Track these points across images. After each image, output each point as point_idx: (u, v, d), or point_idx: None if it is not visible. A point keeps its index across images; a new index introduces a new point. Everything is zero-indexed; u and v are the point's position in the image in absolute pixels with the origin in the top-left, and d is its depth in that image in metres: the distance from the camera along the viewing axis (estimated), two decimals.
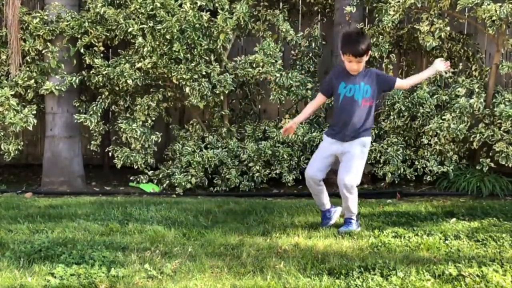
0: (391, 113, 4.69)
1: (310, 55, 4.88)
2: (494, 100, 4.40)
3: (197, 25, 4.46)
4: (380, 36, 4.68)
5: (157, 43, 4.45)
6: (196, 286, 2.25)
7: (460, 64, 4.82)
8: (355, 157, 3.06)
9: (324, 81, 3.26)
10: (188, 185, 4.59)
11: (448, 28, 4.40)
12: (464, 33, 4.95)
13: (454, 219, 3.38)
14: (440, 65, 3.29)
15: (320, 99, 3.26)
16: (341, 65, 3.16)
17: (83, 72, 4.87)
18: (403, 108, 4.57)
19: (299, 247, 2.79)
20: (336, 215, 3.28)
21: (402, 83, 3.34)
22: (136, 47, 4.59)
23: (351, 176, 3.04)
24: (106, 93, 4.88)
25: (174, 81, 4.61)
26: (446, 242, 2.89)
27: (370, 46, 3.08)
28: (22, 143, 4.93)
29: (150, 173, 4.79)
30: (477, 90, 4.43)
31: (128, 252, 2.71)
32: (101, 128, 4.87)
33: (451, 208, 3.69)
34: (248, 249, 2.75)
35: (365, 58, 3.03)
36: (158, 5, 4.39)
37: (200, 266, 2.50)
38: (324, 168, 3.22)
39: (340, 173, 3.08)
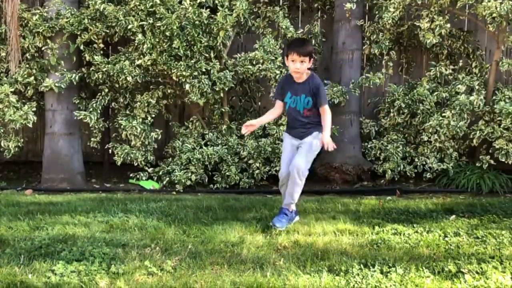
0: (391, 110, 4.69)
1: (313, 51, 4.87)
2: (494, 97, 4.40)
3: (197, 22, 4.45)
4: (380, 33, 4.67)
5: (157, 40, 4.45)
6: (196, 283, 2.26)
7: (460, 61, 4.82)
8: (306, 147, 3.18)
9: (276, 89, 3.41)
10: (188, 182, 4.60)
11: (448, 25, 4.40)
12: (464, 30, 4.94)
13: (453, 216, 3.38)
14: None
15: (278, 106, 3.33)
16: (289, 74, 3.27)
17: (83, 69, 4.86)
18: (403, 105, 4.57)
19: (299, 244, 2.79)
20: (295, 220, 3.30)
21: (322, 113, 3.20)
22: (136, 44, 4.58)
23: (302, 161, 3.13)
24: (106, 90, 4.87)
25: (174, 78, 4.61)
26: (446, 239, 2.89)
27: (312, 52, 3.17)
28: (22, 140, 4.93)
29: (150, 170, 4.79)
30: (477, 87, 4.43)
31: (128, 249, 2.71)
32: (101, 125, 4.87)
33: (450, 205, 3.70)
34: (248, 246, 2.75)
35: (308, 63, 3.11)
36: (158, 2, 4.38)
37: (200, 263, 2.51)
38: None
39: (294, 159, 3.17)
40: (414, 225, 3.16)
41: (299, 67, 3.09)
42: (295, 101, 3.18)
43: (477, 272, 2.34)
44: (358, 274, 2.32)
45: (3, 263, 2.49)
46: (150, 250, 2.69)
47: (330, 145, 3.07)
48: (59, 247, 2.72)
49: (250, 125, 3.28)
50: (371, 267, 2.40)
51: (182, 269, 2.43)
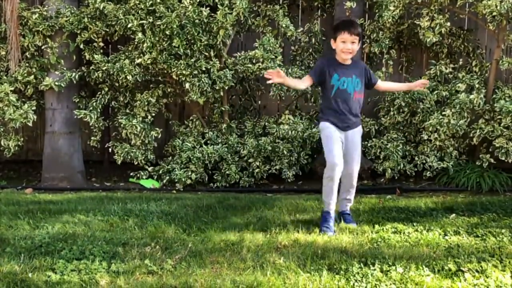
0: (391, 108, 4.69)
1: (310, 50, 4.88)
2: (494, 96, 4.40)
3: (196, 21, 4.44)
4: (380, 32, 4.67)
5: (157, 38, 4.44)
6: (196, 282, 2.26)
7: (461, 59, 4.81)
8: (359, 150, 3.20)
9: (316, 66, 3.19)
10: (188, 181, 4.60)
11: (448, 24, 4.40)
12: (464, 29, 4.94)
13: (453, 215, 3.38)
14: (417, 85, 3.40)
15: (307, 79, 3.15)
16: (332, 55, 3.17)
17: (83, 68, 4.86)
18: (403, 104, 4.57)
19: (299, 243, 2.79)
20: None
21: (379, 85, 3.38)
22: (135, 43, 4.58)
23: (357, 168, 3.22)
24: (106, 89, 4.87)
25: (174, 77, 4.61)
26: (446, 237, 2.89)
27: (361, 34, 3.15)
28: (22, 139, 4.93)
29: (150, 169, 4.79)
30: (477, 85, 4.42)
31: (129, 247, 2.72)
32: (101, 124, 4.87)
33: (450, 204, 3.70)
34: (248, 244, 2.76)
35: (357, 45, 3.06)
36: (158, 0, 4.37)
37: (200, 261, 2.51)
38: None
39: (351, 165, 3.15)
40: (414, 224, 3.16)
41: (350, 47, 3.00)
42: (345, 83, 3.03)
43: (477, 271, 2.34)
44: (358, 273, 2.32)
45: (3, 262, 2.49)
46: (150, 249, 2.69)
47: (423, 81, 3.34)
48: (59, 246, 2.72)
49: (277, 73, 2.94)
50: (371, 265, 2.40)
51: (182, 267, 2.43)
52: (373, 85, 3.31)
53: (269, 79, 2.97)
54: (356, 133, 3.19)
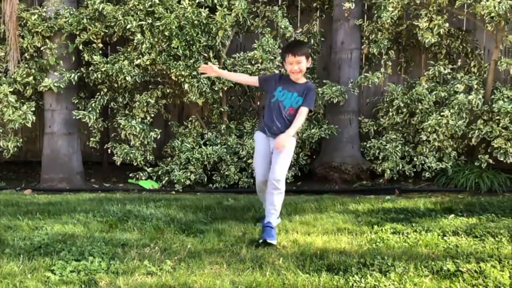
0: (390, 109, 4.70)
1: (309, 51, 4.87)
2: (492, 97, 4.41)
3: (195, 22, 4.45)
4: (379, 33, 4.68)
5: (156, 39, 4.45)
6: (195, 282, 2.26)
7: (459, 60, 4.83)
8: (284, 152, 3.04)
9: (266, 76, 3.43)
10: (187, 182, 4.60)
11: (447, 25, 4.41)
12: (463, 30, 4.95)
13: (452, 215, 3.39)
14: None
15: (253, 79, 3.37)
16: (287, 74, 3.21)
17: (82, 69, 4.86)
18: (402, 105, 4.58)
19: (298, 244, 2.79)
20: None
21: (300, 112, 3.11)
22: (134, 44, 4.59)
23: (281, 172, 3.00)
24: (105, 90, 4.87)
25: (173, 77, 4.61)
26: (445, 238, 2.90)
27: (308, 52, 3.16)
28: (21, 140, 4.93)
29: (149, 169, 4.79)
30: (475, 86, 4.43)
31: (128, 248, 2.71)
32: (100, 124, 4.87)
33: (449, 204, 3.70)
34: (247, 245, 2.76)
35: (305, 62, 3.08)
36: (157, 1, 4.38)
37: (199, 262, 2.51)
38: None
39: (273, 169, 3.03)
40: (413, 224, 3.16)
41: (297, 68, 3.09)
42: (284, 95, 3.10)
43: (475, 271, 2.34)
44: (357, 273, 2.32)
45: (2, 263, 2.49)
46: (149, 250, 2.69)
47: (281, 147, 2.94)
48: (58, 246, 2.72)
49: (209, 68, 3.24)
50: (370, 266, 2.41)
51: (181, 268, 2.43)
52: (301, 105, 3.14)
53: (204, 73, 3.17)
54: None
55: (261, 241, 2.81)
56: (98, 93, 4.89)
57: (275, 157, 3.05)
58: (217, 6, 4.48)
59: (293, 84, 3.14)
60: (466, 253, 2.59)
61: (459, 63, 4.79)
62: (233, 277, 2.33)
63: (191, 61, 4.48)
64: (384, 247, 2.74)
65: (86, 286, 2.23)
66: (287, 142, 2.98)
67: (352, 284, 2.21)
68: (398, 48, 5.08)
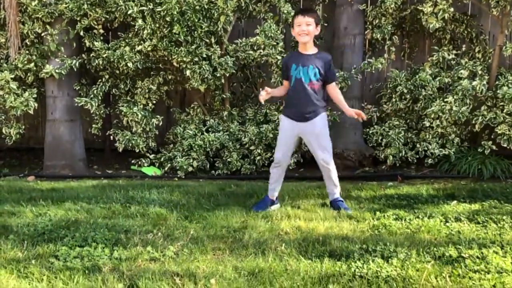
0: (393, 95, 4.67)
1: (320, 18, 4.81)
2: (497, 82, 4.37)
3: (197, 7, 4.40)
4: (383, 18, 4.62)
5: (157, 25, 4.41)
6: (198, 268, 2.27)
7: (463, 45, 4.77)
8: (323, 136, 3.16)
9: (282, 70, 3.35)
10: (190, 169, 4.60)
11: (451, 9, 4.35)
12: (468, 14, 4.88)
13: (455, 202, 3.39)
14: (352, 113, 3.25)
15: (286, 84, 3.31)
16: (294, 51, 3.23)
17: (83, 55, 4.84)
18: (405, 91, 4.55)
19: (301, 230, 2.80)
20: (273, 208, 3.30)
21: (330, 87, 3.21)
22: (136, 30, 4.55)
23: (327, 155, 3.19)
24: (107, 76, 4.85)
25: (175, 64, 4.58)
26: (447, 224, 2.90)
27: (318, 17, 3.13)
28: (23, 127, 4.93)
29: (151, 156, 4.79)
30: (480, 72, 4.39)
31: (131, 234, 2.73)
32: (102, 111, 4.86)
33: (452, 191, 3.70)
34: (250, 231, 2.77)
35: (314, 27, 3.04)
36: None
37: (202, 248, 2.52)
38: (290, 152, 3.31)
39: (319, 154, 3.18)
40: (415, 211, 3.17)
41: (305, 29, 3.01)
42: (301, 72, 3.06)
43: (477, 257, 2.35)
44: (359, 259, 2.33)
45: (6, 249, 2.51)
46: (152, 236, 2.70)
47: (363, 114, 3.17)
48: (62, 233, 2.73)
49: (266, 93, 3.23)
50: (372, 252, 2.41)
51: (184, 254, 2.45)
52: (326, 83, 3.18)
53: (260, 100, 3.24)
54: (317, 122, 3.14)
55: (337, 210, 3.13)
56: (99, 80, 4.87)
57: (316, 141, 3.14)
58: None
59: (306, 57, 3.06)
60: (469, 239, 2.59)
61: (463, 49, 4.74)
62: (235, 262, 2.34)
63: (193, 47, 4.45)
64: (387, 233, 2.74)
65: (89, 272, 2.24)
66: (357, 110, 3.15)
67: (354, 270, 2.22)
68: (402, 34, 5.02)
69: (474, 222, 2.93)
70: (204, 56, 4.48)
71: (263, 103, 3.21)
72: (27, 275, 2.22)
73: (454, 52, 4.63)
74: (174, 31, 4.39)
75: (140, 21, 4.41)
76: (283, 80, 3.35)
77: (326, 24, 4.96)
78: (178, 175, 4.61)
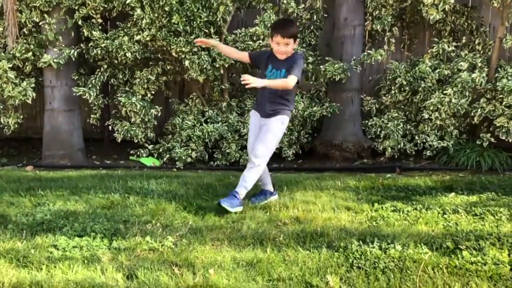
0: (392, 87, 4.66)
1: (312, 28, 4.81)
2: (496, 75, 4.37)
3: None
4: (383, 9, 4.60)
5: (156, 15, 4.38)
6: (196, 258, 2.28)
7: (464, 37, 4.75)
8: (269, 131, 3.07)
9: (256, 52, 3.39)
10: (189, 159, 4.60)
11: (452, 1, 4.32)
12: (468, 6, 4.86)
13: (453, 194, 3.40)
14: None
15: (243, 56, 3.34)
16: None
17: (81, 45, 4.81)
18: (405, 83, 4.54)
19: (299, 220, 2.81)
20: (271, 199, 3.26)
21: (286, 80, 3.07)
22: (134, 19, 4.52)
23: (261, 147, 3.04)
24: (105, 66, 4.83)
25: (174, 54, 4.56)
26: (445, 216, 2.91)
27: (297, 33, 3.12)
28: (21, 116, 4.92)
29: (150, 147, 4.79)
30: (479, 64, 4.38)
31: (129, 225, 2.73)
32: (100, 101, 4.85)
33: (450, 183, 3.71)
34: (248, 222, 2.78)
35: (292, 44, 3.05)
36: None
37: (200, 238, 2.53)
38: None
39: (254, 144, 3.10)
40: (413, 202, 3.18)
41: (283, 50, 3.05)
42: (274, 74, 3.11)
43: (474, 249, 2.36)
44: (357, 250, 2.34)
45: (5, 239, 2.51)
46: (151, 226, 2.71)
47: (250, 80, 2.87)
48: (60, 223, 2.74)
49: (205, 41, 3.35)
50: (370, 243, 2.43)
51: (182, 244, 2.46)
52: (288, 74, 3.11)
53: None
54: (272, 120, 3.10)
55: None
56: (98, 70, 4.85)
57: (260, 134, 3.10)
58: None
59: (281, 61, 3.10)
60: (466, 231, 2.60)
61: (463, 41, 4.72)
62: (234, 253, 2.35)
63: (192, 37, 4.42)
64: (384, 224, 2.76)
65: (88, 261, 2.25)
66: (253, 80, 2.89)
67: (352, 261, 2.23)
68: (402, 25, 5.00)
69: (471, 214, 2.94)
70: (203, 46, 4.45)
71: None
72: (26, 265, 2.23)
73: (454, 44, 4.62)
74: (173, 21, 4.36)
75: (138, 11, 4.38)
76: (247, 53, 3.37)
77: (326, 15, 4.93)
78: (177, 166, 4.61)
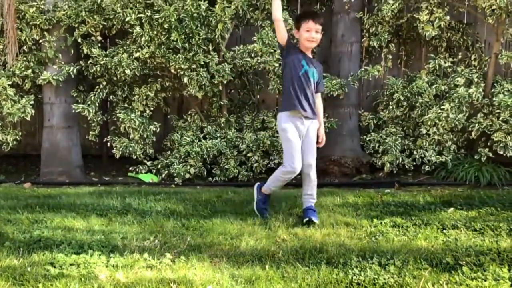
0: (390, 103, 4.69)
1: None
2: (493, 90, 4.40)
3: (195, 14, 4.42)
4: (380, 26, 4.66)
5: (155, 32, 4.42)
6: (195, 275, 2.26)
7: (460, 53, 4.80)
8: (314, 142, 3.16)
9: (289, 40, 3.19)
10: (187, 175, 4.60)
11: (447, 17, 4.38)
12: (463, 23, 4.92)
13: (452, 209, 3.39)
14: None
15: (285, 34, 3.09)
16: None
17: (81, 62, 4.84)
18: (402, 98, 4.57)
19: (298, 237, 2.80)
20: None
21: (319, 100, 3.23)
22: (133, 37, 4.56)
23: (314, 160, 3.17)
24: (104, 83, 4.86)
25: (172, 71, 4.59)
26: (444, 231, 2.90)
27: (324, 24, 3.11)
28: (20, 133, 4.93)
29: (149, 163, 4.79)
30: (476, 79, 4.42)
31: (127, 241, 2.72)
32: (99, 118, 4.86)
33: (449, 198, 3.71)
34: (247, 238, 2.76)
35: (320, 35, 3.02)
36: None
37: (199, 255, 2.51)
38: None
39: (307, 159, 3.11)
40: (412, 218, 3.17)
41: (315, 36, 2.99)
42: (311, 70, 3.02)
43: (474, 264, 2.35)
44: (356, 267, 2.33)
45: (2, 256, 2.49)
46: (149, 243, 2.69)
47: (321, 142, 3.15)
48: (58, 240, 2.72)
49: None
50: (369, 259, 2.41)
51: (181, 261, 2.44)
52: (317, 91, 3.18)
53: None
54: (314, 128, 3.16)
55: (305, 220, 3.02)
56: (97, 86, 4.87)
57: (308, 144, 3.10)
58: None
59: (310, 58, 3.05)
60: (466, 246, 2.59)
61: (459, 57, 4.77)
62: (232, 270, 2.33)
63: (191, 54, 4.46)
64: (384, 240, 2.74)
65: (86, 279, 2.23)
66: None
67: (352, 277, 2.22)
68: (398, 41, 5.06)
69: (471, 229, 2.93)
70: (202, 63, 4.49)
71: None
72: (23, 283, 2.20)
73: (451, 59, 4.66)
74: (172, 38, 4.40)
75: (138, 28, 4.43)
76: (287, 34, 3.10)
77: (323, 32, 4.98)
78: (175, 182, 4.60)
